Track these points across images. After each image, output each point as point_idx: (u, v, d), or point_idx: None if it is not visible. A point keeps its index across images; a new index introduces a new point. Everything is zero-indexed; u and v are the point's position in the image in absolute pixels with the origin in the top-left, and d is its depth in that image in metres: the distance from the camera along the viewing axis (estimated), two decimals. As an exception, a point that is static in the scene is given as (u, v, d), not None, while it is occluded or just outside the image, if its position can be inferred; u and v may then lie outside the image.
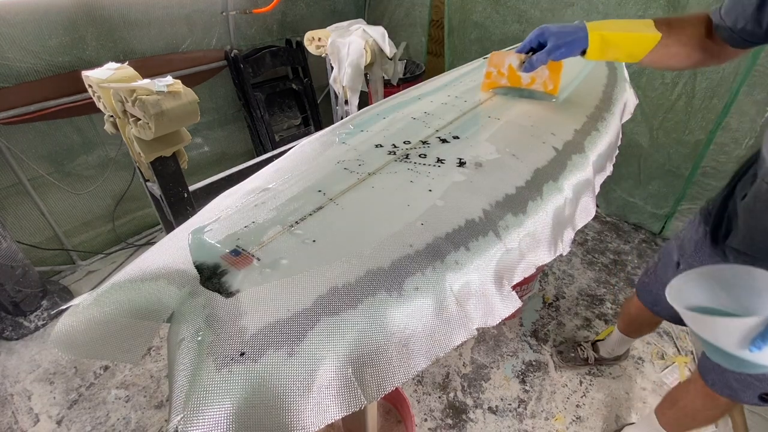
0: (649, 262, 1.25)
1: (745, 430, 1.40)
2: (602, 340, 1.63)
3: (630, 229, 2.36)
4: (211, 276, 0.50)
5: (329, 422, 0.44)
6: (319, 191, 0.66)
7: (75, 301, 0.52)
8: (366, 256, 0.53)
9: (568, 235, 0.73)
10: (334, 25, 1.91)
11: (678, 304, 0.64)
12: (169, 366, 0.44)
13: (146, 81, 1.17)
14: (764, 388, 0.89)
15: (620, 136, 1.04)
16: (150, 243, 2.30)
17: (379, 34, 1.84)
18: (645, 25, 0.80)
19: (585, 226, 2.34)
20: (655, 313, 1.24)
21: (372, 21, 2.94)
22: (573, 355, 1.63)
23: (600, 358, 1.60)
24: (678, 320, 1.10)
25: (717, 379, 0.97)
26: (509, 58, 1.01)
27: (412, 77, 2.66)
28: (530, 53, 0.92)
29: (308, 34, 1.91)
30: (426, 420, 1.48)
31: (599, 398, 1.55)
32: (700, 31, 0.78)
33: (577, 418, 1.49)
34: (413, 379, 1.60)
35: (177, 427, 0.38)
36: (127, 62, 1.30)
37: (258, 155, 2.34)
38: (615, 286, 2.03)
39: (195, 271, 0.51)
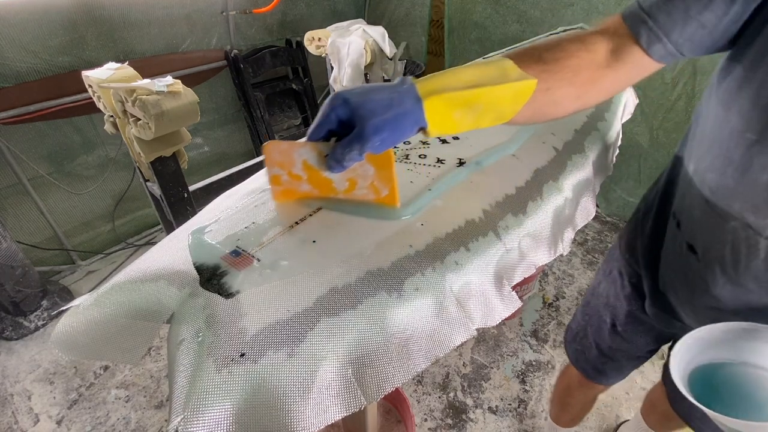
0: (573, 326, 1.06)
1: None
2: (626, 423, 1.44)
3: (630, 229, 2.37)
4: (211, 277, 0.50)
5: (329, 423, 0.44)
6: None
7: (75, 302, 0.52)
8: (366, 256, 0.53)
9: (568, 235, 0.73)
10: (334, 25, 1.91)
11: (684, 387, 0.52)
12: (169, 367, 0.44)
13: (146, 81, 1.17)
14: None
15: (620, 136, 1.04)
16: (150, 243, 2.30)
17: (379, 34, 1.84)
18: (505, 69, 0.54)
19: (585, 226, 2.35)
20: (598, 382, 1.06)
21: (372, 21, 2.94)
22: None
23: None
24: (615, 379, 1.02)
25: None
26: (298, 151, 0.58)
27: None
28: (332, 138, 0.55)
29: (308, 34, 1.92)
30: (426, 420, 1.48)
31: (600, 398, 1.55)
32: (596, 55, 0.55)
33: (577, 418, 1.49)
34: (413, 379, 1.60)
35: (177, 427, 0.38)
36: (127, 62, 1.30)
37: (258, 155, 2.34)
38: (615, 286, 2.03)
39: (195, 272, 0.51)
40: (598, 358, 0.98)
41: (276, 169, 0.61)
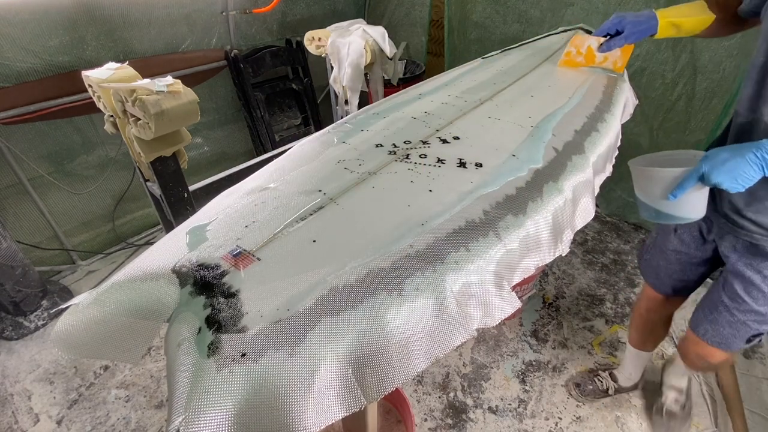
0: (647, 240, 1.30)
1: (745, 430, 1.40)
2: (618, 367, 1.58)
3: (630, 229, 2.37)
4: (212, 276, 0.50)
5: (330, 422, 0.44)
6: (320, 191, 0.66)
7: (75, 300, 0.52)
8: (366, 256, 0.53)
9: (568, 235, 0.73)
10: (334, 25, 1.91)
11: (633, 162, 0.80)
12: (169, 366, 0.44)
13: (146, 81, 1.17)
14: (752, 331, 1.00)
15: (620, 136, 1.04)
16: (150, 243, 2.30)
17: (379, 34, 1.84)
18: (700, 8, 1.02)
19: (585, 226, 2.34)
20: (657, 290, 1.27)
21: (372, 21, 2.94)
22: (591, 387, 1.54)
23: (620, 387, 1.53)
24: (679, 291, 1.24)
25: (709, 327, 1.06)
26: (589, 40, 1.23)
27: (412, 77, 2.66)
28: (607, 36, 1.15)
29: (308, 34, 1.91)
30: (426, 420, 1.48)
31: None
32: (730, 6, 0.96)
33: (577, 418, 1.49)
34: (413, 379, 1.60)
35: (179, 427, 0.38)
36: (127, 62, 1.30)
37: (258, 155, 2.34)
38: (615, 286, 2.03)
39: (195, 272, 0.51)
40: (664, 266, 1.21)
41: (571, 48, 1.28)
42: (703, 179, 0.72)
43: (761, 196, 0.82)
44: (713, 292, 1.06)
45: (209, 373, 0.41)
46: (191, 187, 1.53)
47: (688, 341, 1.15)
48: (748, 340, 1.03)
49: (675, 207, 0.75)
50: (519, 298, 0.81)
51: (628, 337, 1.46)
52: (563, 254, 0.70)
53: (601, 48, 1.16)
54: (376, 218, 0.60)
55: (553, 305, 1.92)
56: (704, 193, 0.77)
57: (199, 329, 0.44)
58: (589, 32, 1.49)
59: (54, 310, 1.84)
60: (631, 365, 1.48)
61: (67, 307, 0.51)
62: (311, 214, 0.60)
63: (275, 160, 0.81)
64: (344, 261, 0.52)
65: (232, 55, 2.32)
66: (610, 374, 1.55)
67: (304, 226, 0.58)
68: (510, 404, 1.53)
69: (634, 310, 1.44)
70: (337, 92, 2.00)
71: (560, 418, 1.49)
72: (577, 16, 2.10)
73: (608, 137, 0.92)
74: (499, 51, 1.42)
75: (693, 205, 0.76)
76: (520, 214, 0.64)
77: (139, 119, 1.19)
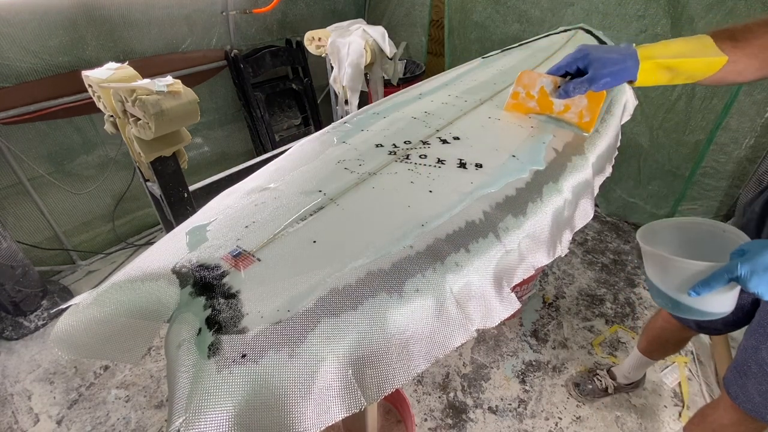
0: None
1: None
2: (617, 365, 1.57)
3: (630, 229, 2.37)
4: (212, 277, 0.50)
5: (330, 423, 0.44)
6: (320, 191, 0.66)
7: (75, 300, 0.52)
8: (366, 257, 0.53)
9: (567, 236, 0.73)
10: (334, 25, 1.91)
11: (642, 240, 0.68)
12: (169, 367, 0.44)
13: (146, 81, 1.17)
14: None
15: (619, 137, 1.04)
16: (150, 243, 2.30)
17: (379, 34, 1.84)
18: (704, 46, 0.72)
19: (585, 226, 2.35)
20: (681, 321, 1.17)
21: (372, 21, 2.94)
22: (591, 386, 1.54)
23: (619, 386, 1.52)
24: (703, 327, 1.13)
25: (739, 392, 0.91)
26: (542, 79, 0.86)
27: (412, 77, 2.66)
28: (567, 77, 0.82)
29: (308, 34, 1.91)
30: (426, 420, 1.48)
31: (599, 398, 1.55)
32: None
33: (577, 418, 1.49)
34: (413, 379, 1.60)
35: (179, 429, 0.38)
36: (127, 62, 1.30)
37: (258, 155, 2.34)
38: (615, 286, 2.03)
39: (195, 272, 0.51)
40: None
41: (519, 88, 0.91)
42: (737, 280, 0.57)
43: None
44: (746, 349, 0.90)
45: (209, 374, 0.41)
46: (191, 187, 1.53)
47: (723, 401, 0.99)
48: None
49: (698, 301, 0.61)
50: (519, 298, 0.81)
51: (637, 341, 1.43)
52: (562, 255, 0.70)
53: (558, 93, 0.82)
54: (376, 219, 0.60)
55: (553, 305, 1.92)
56: (736, 289, 0.63)
57: (200, 330, 0.44)
58: (589, 32, 1.47)
59: (54, 310, 1.84)
60: (632, 366, 1.47)
61: (67, 308, 0.51)
62: (311, 215, 0.60)
63: (275, 160, 0.81)
64: (344, 262, 0.52)
65: (232, 55, 2.32)
66: (608, 371, 1.55)
67: (304, 227, 0.58)
68: (510, 404, 1.53)
69: (649, 321, 1.37)
70: (337, 92, 2.00)
71: (560, 418, 1.49)
72: (577, 16, 2.10)
73: (608, 137, 0.92)
74: (499, 51, 1.42)
75: (721, 302, 0.62)
76: (520, 215, 0.64)
77: (139, 119, 1.19)
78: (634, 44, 0.76)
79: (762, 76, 0.73)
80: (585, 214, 0.79)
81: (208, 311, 0.46)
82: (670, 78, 0.75)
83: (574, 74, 0.81)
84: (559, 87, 0.82)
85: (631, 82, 0.77)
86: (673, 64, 0.74)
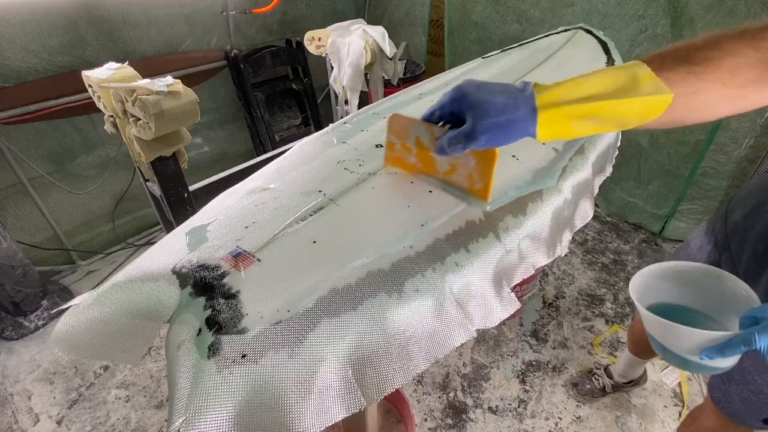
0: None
1: None
2: (614, 363, 1.57)
3: (630, 229, 2.37)
4: (212, 277, 0.50)
5: (330, 423, 0.44)
6: (320, 191, 0.66)
7: (75, 301, 0.52)
8: (366, 257, 0.53)
9: (567, 236, 0.73)
10: (334, 25, 1.91)
11: (638, 298, 0.63)
12: (169, 368, 0.44)
13: (146, 81, 1.17)
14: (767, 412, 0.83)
15: (619, 137, 1.04)
16: (150, 243, 2.30)
17: (379, 34, 1.84)
18: (636, 79, 0.49)
19: (585, 226, 2.35)
20: None
21: (372, 21, 2.94)
22: (589, 386, 1.54)
23: (617, 384, 1.51)
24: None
25: (722, 396, 0.90)
26: (415, 127, 0.64)
27: (412, 77, 2.66)
28: (446, 125, 0.59)
29: (308, 34, 1.92)
30: (426, 420, 1.48)
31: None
32: (756, 55, 0.46)
33: (577, 418, 1.49)
34: (413, 379, 1.60)
35: (179, 429, 0.38)
36: (127, 62, 1.30)
37: (258, 155, 2.34)
38: (615, 286, 2.03)
39: (195, 273, 0.51)
40: None
41: (393, 137, 0.70)
42: (757, 351, 0.51)
43: None
44: None
45: (209, 374, 0.41)
46: (191, 187, 1.53)
47: (708, 404, 0.98)
48: (766, 421, 0.85)
49: (709, 361, 0.57)
50: (519, 298, 0.80)
51: (627, 342, 1.45)
52: (562, 255, 0.70)
53: (436, 147, 0.58)
54: (376, 219, 0.60)
55: (553, 305, 1.92)
56: None
57: (200, 330, 0.44)
58: (589, 32, 1.47)
59: (54, 310, 1.84)
60: (626, 365, 1.48)
61: (67, 308, 0.51)
62: (311, 215, 0.60)
63: (275, 161, 0.81)
64: (344, 262, 0.52)
65: (232, 55, 2.32)
66: (605, 369, 1.56)
67: (304, 227, 0.58)
68: (510, 404, 1.53)
69: (633, 322, 1.37)
70: (337, 92, 2.00)
71: (560, 418, 1.49)
72: (577, 16, 2.10)
73: (608, 137, 0.92)
74: (499, 51, 1.42)
75: (732, 359, 0.59)
76: (519, 214, 0.64)
77: (139, 119, 1.19)
78: (533, 84, 0.52)
79: (739, 110, 0.51)
80: (585, 214, 0.79)
81: (208, 311, 0.46)
82: (594, 127, 0.52)
83: (453, 122, 0.57)
84: (437, 140, 0.58)
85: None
86: (590, 111, 0.49)
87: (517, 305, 0.60)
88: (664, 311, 0.64)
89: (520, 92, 0.51)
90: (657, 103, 0.48)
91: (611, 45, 1.37)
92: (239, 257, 0.53)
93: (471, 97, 0.52)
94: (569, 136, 0.53)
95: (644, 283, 0.66)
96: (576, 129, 0.51)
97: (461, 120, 0.54)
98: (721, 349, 0.54)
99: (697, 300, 0.67)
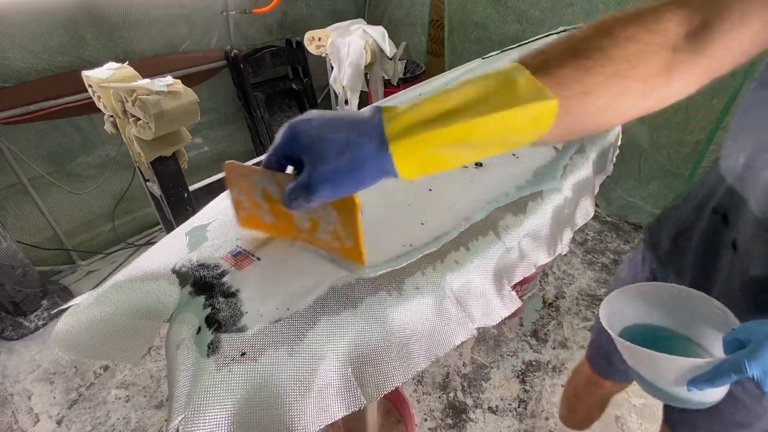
0: (595, 324, 1.06)
1: None
2: None
3: (630, 229, 2.37)
4: (212, 276, 0.50)
5: (330, 422, 0.44)
6: (320, 191, 0.66)
7: (75, 301, 0.52)
8: (365, 256, 0.53)
9: (567, 235, 0.73)
10: (334, 25, 1.91)
11: (610, 326, 0.58)
12: (169, 366, 0.44)
13: (146, 81, 1.17)
14: None
15: (620, 136, 1.04)
16: (150, 243, 2.30)
17: (379, 34, 1.84)
18: (511, 85, 0.39)
19: (585, 226, 2.35)
20: (605, 377, 1.04)
21: (372, 21, 2.94)
22: None
23: None
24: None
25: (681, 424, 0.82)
26: (259, 176, 0.49)
27: (412, 77, 2.66)
28: (291, 172, 0.46)
29: (308, 34, 1.92)
30: (426, 420, 1.48)
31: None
32: (667, 36, 0.39)
33: (577, 418, 1.49)
34: (413, 378, 1.60)
35: (178, 427, 0.38)
36: (127, 62, 1.30)
37: (258, 155, 2.34)
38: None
39: (195, 272, 0.51)
40: (609, 343, 0.94)
41: (236, 193, 0.54)
42: (744, 374, 0.46)
43: None
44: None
45: (209, 372, 0.41)
46: (191, 187, 1.53)
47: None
48: None
49: (698, 394, 0.53)
50: (519, 298, 0.80)
51: (559, 411, 1.33)
52: (562, 253, 0.70)
53: (282, 201, 0.44)
54: (375, 218, 0.60)
55: (553, 305, 1.92)
56: None
57: (199, 329, 0.44)
58: None
59: (54, 310, 1.84)
60: None
61: (67, 308, 0.51)
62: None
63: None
64: (344, 261, 0.52)
65: (232, 55, 2.32)
66: None
67: (304, 226, 0.58)
68: (510, 404, 1.53)
69: (567, 382, 1.23)
70: (337, 92, 2.00)
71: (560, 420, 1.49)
72: (577, 16, 2.10)
73: (608, 136, 0.92)
74: (499, 51, 1.42)
75: (722, 390, 0.54)
76: (519, 213, 0.64)
77: (139, 119, 1.19)
78: (383, 108, 0.41)
79: (651, 108, 0.42)
80: (586, 212, 0.79)
81: (208, 310, 0.46)
82: (474, 153, 0.41)
83: (297, 167, 0.45)
84: (286, 194, 0.44)
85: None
86: (459, 134, 0.38)
87: (518, 303, 0.60)
88: (638, 333, 0.63)
89: (365, 122, 0.40)
90: (541, 112, 0.38)
91: (611, 45, 1.36)
92: (239, 256, 0.53)
93: (304, 137, 0.41)
94: (446, 167, 0.42)
95: (613, 309, 0.62)
96: (451, 159, 0.41)
97: (299, 165, 0.43)
98: (710, 378, 0.49)
99: (671, 319, 0.64)
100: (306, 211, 0.50)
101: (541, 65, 0.39)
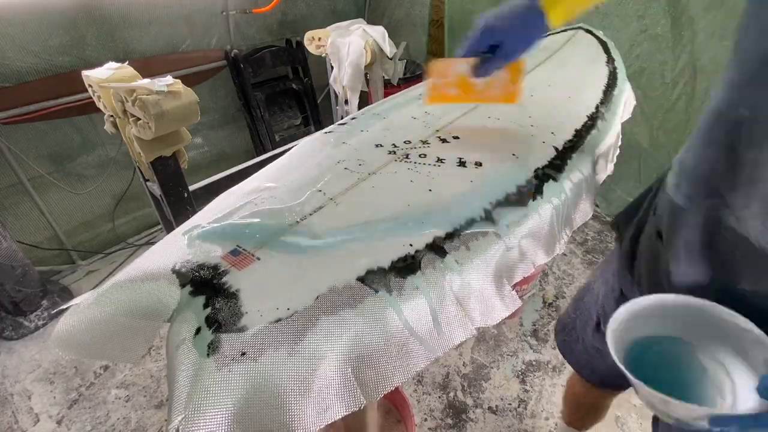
0: (564, 317, 1.05)
1: None
2: None
3: (630, 229, 2.36)
4: (212, 276, 0.50)
5: (329, 422, 0.44)
6: (320, 191, 0.66)
7: (75, 301, 0.52)
8: (366, 256, 0.53)
9: (566, 234, 0.73)
10: (334, 25, 1.91)
11: (621, 358, 0.51)
12: (169, 366, 0.44)
13: (146, 81, 1.17)
14: None
15: (620, 136, 1.04)
16: (150, 243, 2.30)
17: (379, 34, 1.84)
18: None
19: (585, 226, 2.35)
20: (587, 379, 1.02)
21: (372, 21, 2.94)
22: None
23: None
24: (612, 386, 0.96)
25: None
26: (456, 65, 0.80)
27: (412, 77, 2.66)
28: (480, 57, 0.75)
29: (308, 34, 1.92)
30: (426, 420, 1.48)
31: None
32: None
33: (577, 417, 1.49)
34: (413, 378, 1.60)
35: (178, 426, 0.38)
36: (127, 62, 1.30)
37: (258, 155, 2.34)
38: (615, 286, 2.02)
39: (195, 272, 0.51)
40: (582, 354, 0.94)
41: (435, 78, 0.84)
42: None
43: None
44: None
45: (209, 372, 0.41)
46: (191, 187, 1.53)
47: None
48: None
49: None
50: (519, 297, 0.79)
51: (562, 409, 1.29)
52: (559, 253, 0.70)
53: (477, 72, 0.77)
54: (375, 218, 0.60)
55: (553, 305, 1.92)
56: None
57: (199, 329, 0.44)
58: (589, 32, 1.47)
59: (54, 310, 1.84)
60: None
61: (67, 308, 0.51)
62: (311, 214, 0.60)
63: (276, 161, 0.81)
64: (343, 261, 0.52)
65: (232, 55, 2.32)
66: None
67: (305, 227, 0.58)
68: (510, 404, 1.53)
69: (566, 384, 1.22)
70: (337, 92, 2.00)
71: (560, 418, 1.49)
72: (577, 16, 2.09)
73: (609, 136, 0.92)
74: None
75: None
76: (520, 213, 0.64)
77: (139, 119, 1.19)
78: None
79: None
80: (585, 212, 0.79)
81: (208, 310, 0.46)
82: (579, 7, 0.69)
83: (486, 50, 0.74)
84: (477, 69, 0.76)
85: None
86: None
87: (518, 303, 0.60)
88: (650, 345, 0.57)
89: (528, 4, 0.66)
90: None
91: (611, 45, 1.37)
92: (239, 256, 0.53)
93: (498, 28, 0.68)
94: (568, 19, 0.66)
95: (620, 329, 0.55)
96: (571, 14, 0.66)
97: (491, 49, 0.71)
98: (746, 426, 0.42)
99: (686, 330, 0.57)
100: (486, 80, 0.78)
101: None
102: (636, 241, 0.70)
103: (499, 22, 0.68)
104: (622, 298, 0.74)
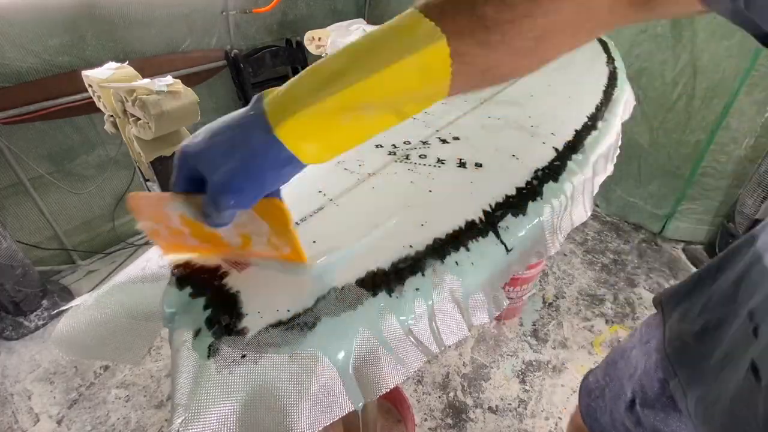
0: (592, 380, 0.87)
1: None
2: None
3: (630, 229, 2.37)
4: (212, 277, 0.50)
5: (329, 422, 0.44)
6: (319, 192, 0.66)
7: (75, 302, 0.52)
8: (365, 257, 0.53)
9: (564, 234, 0.73)
10: (334, 25, 1.91)
11: None
12: (172, 368, 0.44)
13: (146, 81, 1.17)
14: None
15: (620, 136, 1.04)
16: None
17: (379, 34, 1.83)
18: (413, 30, 0.33)
19: (585, 226, 2.35)
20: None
21: (372, 21, 2.94)
22: None
23: None
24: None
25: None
26: (171, 204, 0.44)
27: (412, 77, 2.66)
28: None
29: (308, 34, 1.92)
30: (426, 420, 1.48)
31: None
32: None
33: (576, 418, 1.49)
34: (413, 378, 1.60)
35: (179, 429, 0.38)
36: (127, 62, 1.30)
37: (258, 155, 2.34)
38: (615, 286, 2.03)
39: (196, 273, 0.51)
40: (609, 428, 0.77)
41: (150, 225, 0.48)
42: None
43: None
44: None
45: (209, 374, 0.41)
46: (191, 187, 1.53)
47: None
48: None
49: None
50: (519, 298, 0.80)
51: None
52: (552, 253, 0.71)
53: (206, 222, 0.41)
54: (375, 219, 0.60)
55: (553, 305, 1.92)
56: None
57: (199, 330, 0.44)
58: None
59: (54, 311, 1.85)
60: None
61: (68, 309, 0.52)
62: (311, 215, 0.61)
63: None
64: (343, 262, 0.52)
65: (232, 55, 2.32)
66: None
67: (304, 227, 0.58)
68: (510, 404, 1.53)
69: (574, 415, 1.06)
70: (337, 92, 2.00)
71: (560, 418, 1.49)
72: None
73: (609, 136, 0.92)
74: None
75: None
76: (519, 213, 0.64)
77: (139, 119, 1.19)
78: (263, 94, 0.38)
79: (572, 46, 0.39)
80: (583, 213, 0.79)
81: (208, 312, 0.46)
82: (379, 117, 0.36)
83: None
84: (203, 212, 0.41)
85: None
86: (352, 100, 0.33)
87: (507, 302, 0.60)
88: None
89: (245, 114, 0.37)
90: (431, 56, 0.33)
91: (611, 45, 1.37)
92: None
93: (193, 152, 0.38)
94: (358, 138, 0.37)
95: None
96: (357, 128, 0.35)
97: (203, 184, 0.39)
98: None
99: None
100: (233, 226, 0.44)
101: (438, 8, 0.34)
102: (695, 339, 0.53)
103: (201, 143, 0.39)
104: (666, 384, 0.62)
